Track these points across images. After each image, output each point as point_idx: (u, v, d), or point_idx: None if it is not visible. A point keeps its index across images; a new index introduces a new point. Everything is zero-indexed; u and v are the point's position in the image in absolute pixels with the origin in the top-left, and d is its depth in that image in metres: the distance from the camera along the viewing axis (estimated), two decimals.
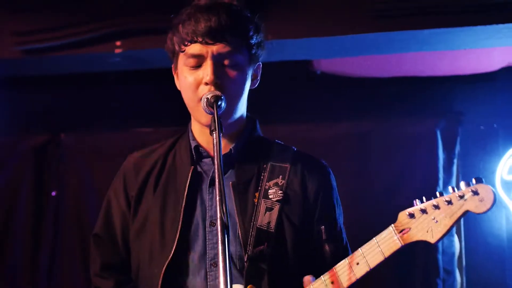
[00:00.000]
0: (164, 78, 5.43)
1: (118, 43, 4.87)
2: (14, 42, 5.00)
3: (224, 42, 2.27)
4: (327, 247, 2.35)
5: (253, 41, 2.35)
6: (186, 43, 2.28)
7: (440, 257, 5.22)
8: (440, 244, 5.17)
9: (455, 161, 5.38)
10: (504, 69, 5.32)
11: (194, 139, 2.44)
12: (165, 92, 5.68)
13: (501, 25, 4.45)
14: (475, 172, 5.24)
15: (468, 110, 5.39)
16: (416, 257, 5.25)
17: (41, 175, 5.97)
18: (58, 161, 5.95)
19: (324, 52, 5.12)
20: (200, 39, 2.25)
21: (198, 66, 2.29)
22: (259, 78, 2.48)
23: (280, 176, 2.36)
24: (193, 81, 2.30)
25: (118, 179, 2.55)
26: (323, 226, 2.36)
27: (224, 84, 2.28)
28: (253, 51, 2.36)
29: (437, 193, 2.07)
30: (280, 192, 2.33)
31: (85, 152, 5.93)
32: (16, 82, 5.77)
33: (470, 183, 2.01)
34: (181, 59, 2.35)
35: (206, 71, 2.26)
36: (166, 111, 5.78)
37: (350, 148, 5.47)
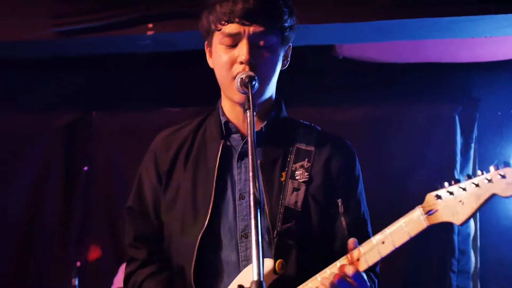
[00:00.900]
0: (191, 60, 5.57)
1: (150, 25, 4.94)
2: (49, 24, 5.06)
3: (260, 24, 2.29)
4: (343, 220, 2.38)
5: (286, 24, 2.37)
6: (223, 22, 2.32)
7: (455, 237, 5.32)
8: (455, 225, 5.29)
9: (473, 145, 5.44)
10: None
11: (224, 115, 2.48)
12: (191, 73, 5.84)
13: None
14: (492, 156, 5.34)
15: (485, 97, 5.45)
16: (432, 237, 5.30)
17: (73, 151, 6.11)
18: (89, 138, 6.09)
19: (347, 37, 5.14)
20: (237, 20, 2.28)
21: (233, 45, 2.32)
22: (289, 59, 2.51)
23: (306, 159, 2.40)
24: (227, 59, 2.33)
25: (149, 155, 2.60)
26: (339, 200, 2.39)
27: (258, 64, 2.31)
28: (286, 33, 2.39)
29: (466, 176, 2.05)
30: (306, 174, 2.38)
31: (115, 130, 6.06)
32: (50, 62, 5.86)
33: (499, 166, 1.97)
34: (217, 37, 2.37)
35: (242, 51, 2.29)
36: (192, 92, 5.89)
37: (370, 131, 5.54)
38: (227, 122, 2.47)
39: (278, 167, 2.39)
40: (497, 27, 4.71)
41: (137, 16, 4.95)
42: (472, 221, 5.37)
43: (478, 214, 5.32)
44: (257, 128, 2.38)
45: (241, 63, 2.30)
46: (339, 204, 2.38)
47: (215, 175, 2.38)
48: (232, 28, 2.30)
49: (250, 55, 2.29)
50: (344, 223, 2.37)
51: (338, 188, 2.42)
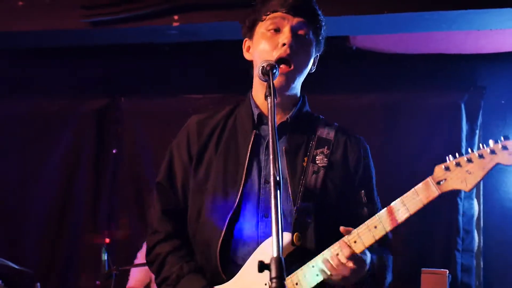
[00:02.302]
0: (213, 50, 5.70)
1: (176, 17, 5.04)
2: (81, 15, 5.18)
3: (303, 17, 2.45)
4: (365, 209, 2.46)
5: (321, 28, 2.54)
6: (272, 11, 2.45)
7: (460, 218, 5.42)
8: (460, 206, 5.39)
9: (477, 132, 5.54)
10: None
11: (257, 107, 2.55)
12: (213, 62, 5.96)
13: None
14: None
15: (490, 85, 5.54)
16: (439, 218, 5.41)
17: (102, 134, 6.29)
18: (118, 122, 6.29)
19: (360, 29, 5.21)
20: (284, 10, 2.43)
21: (277, 32, 2.45)
22: (314, 68, 2.62)
23: (326, 147, 2.52)
24: (270, 44, 2.43)
25: (182, 134, 2.64)
26: (363, 191, 2.51)
27: (297, 51, 2.43)
28: (320, 37, 2.55)
29: (469, 149, 2.14)
30: (325, 159, 2.49)
31: (141, 115, 6.23)
32: (82, 51, 6.02)
33: (499, 140, 2.08)
34: (261, 27, 2.49)
35: (285, 35, 2.42)
36: (213, 80, 6.04)
37: (380, 118, 5.65)
38: (260, 114, 2.54)
39: (301, 152, 2.50)
40: (501, 20, 4.77)
41: (163, 8, 5.05)
42: (476, 202, 5.48)
43: (482, 196, 5.49)
44: (283, 119, 2.53)
45: (284, 44, 2.40)
46: (362, 195, 2.50)
47: (246, 162, 2.47)
48: (279, 15, 2.44)
49: (293, 39, 2.42)
50: (366, 212, 2.44)
51: (358, 179, 2.54)
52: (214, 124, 2.61)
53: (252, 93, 2.62)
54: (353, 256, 2.23)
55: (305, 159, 2.49)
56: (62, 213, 6.24)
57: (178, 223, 2.57)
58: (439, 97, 5.61)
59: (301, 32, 2.45)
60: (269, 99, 2.17)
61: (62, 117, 6.32)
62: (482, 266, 5.53)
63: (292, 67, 2.42)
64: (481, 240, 5.53)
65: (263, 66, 2.29)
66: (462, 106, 5.53)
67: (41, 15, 5.25)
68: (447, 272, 4.87)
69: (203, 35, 5.34)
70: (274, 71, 2.28)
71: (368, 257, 2.31)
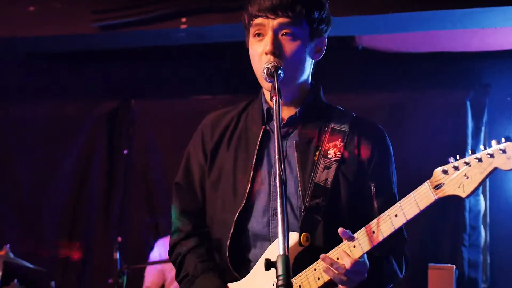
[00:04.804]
0: (220, 52, 5.67)
1: (183, 19, 5.01)
2: (91, 19, 5.17)
3: (285, 17, 2.29)
4: (375, 203, 2.33)
5: (314, 16, 2.35)
6: (253, 18, 2.34)
7: (467, 214, 5.37)
8: (467, 203, 5.33)
9: (483, 128, 5.49)
10: None
11: (266, 102, 2.46)
12: (221, 64, 5.93)
13: None
14: (501, 139, 5.35)
15: (495, 83, 5.49)
16: (446, 215, 5.38)
17: (114, 136, 6.32)
18: (129, 124, 6.30)
19: (366, 29, 5.18)
20: (263, 14, 2.30)
21: (262, 37, 2.34)
22: (323, 51, 2.46)
23: (339, 139, 2.37)
24: (257, 52, 2.34)
25: (197, 135, 2.58)
26: (373, 183, 2.34)
27: (282, 54, 2.30)
28: (315, 26, 2.36)
29: (469, 151, 2.02)
30: (338, 153, 2.35)
31: (152, 116, 6.24)
32: (92, 54, 6.03)
33: (500, 142, 1.96)
34: (250, 33, 2.40)
35: (266, 42, 2.30)
36: (221, 81, 6.02)
37: (386, 115, 5.58)
38: (269, 109, 2.44)
39: (312, 147, 2.37)
40: (506, 18, 4.74)
41: (171, 11, 5.03)
42: (482, 198, 5.43)
43: (488, 192, 5.42)
44: (292, 113, 2.41)
45: (266, 53, 2.29)
46: (372, 187, 2.34)
47: (254, 158, 2.39)
48: (259, 21, 2.32)
49: (274, 45, 2.29)
50: (375, 206, 2.33)
51: (369, 171, 2.37)
52: (228, 121, 2.53)
53: (263, 89, 2.54)
54: (352, 261, 2.12)
55: (317, 153, 2.35)
56: (75, 212, 6.28)
57: (197, 220, 2.52)
58: (445, 95, 5.57)
59: (285, 31, 2.31)
60: (274, 100, 2.12)
61: (76, 120, 6.37)
62: (488, 261, 5.48)
63: (283, 72, 2.26)
64: (488, 236, 5.48)
65: (268, 68, 2.24)
66: (468, 103, 5.49)
67: (53, 20, 5.25)
68: (454, 267, 4.83)
69: (210, 38, 5.32)
70: (279, 72, 2.22)
71: (367, 262, 2.18)
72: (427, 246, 5.42)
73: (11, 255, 5.00)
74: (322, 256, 2.16)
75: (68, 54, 6.00)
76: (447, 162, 2.05)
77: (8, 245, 5.00)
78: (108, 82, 6.29)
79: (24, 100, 6.45)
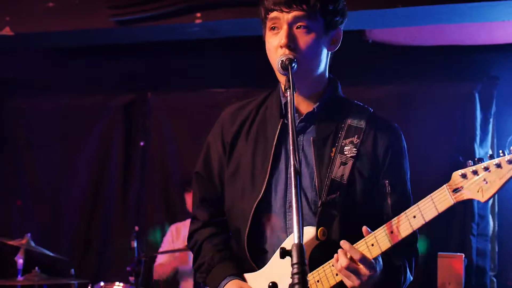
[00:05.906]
0: (233, 46, 5.71)
1: (198, 14, 5.04)
2: (109, 14, 5.21)
3: (299, 10, 2.29)
4: (389, 200, 2.33)
5: (328, 9, 2.33)
6: (268, 12, 2.34)
7: (475, 203, 5.35)
8: None
9: (491, 120, 5.50)
10: None
11: (284, 95, 2.44)
12: (234, 58, 5.97)
13: None
14: (509, 130, 5.40)
15: (503, 75, 5.50)
16: (455, 205, 5.35)
17: (130, 128, 6.39)
18: (145, 116, 6.36)
19: (375, 23, 5.17)
20: (277, 8, 2.30)
21: (277, 31, 2.34)
22: (339, 43, 2.45)
23: (356, 136, 2.36)
24: (273, 45, 2.34)
25: (217, 126, 2.59)
26: (387, 180, 2.34)
27: (297, 47, 2.29)
28: (329, 18, 2.35)
29: (488, 156, 2.01)
30: (354, 149, 2.34)
31: (167, 109, 6.29)
32: (110, 49, 6.09)
33: None
34: (266, 26, 2.40)
35: (281, 35, 2.30)
36: (235, 75, 6.05)
37: (396, 107, 5.59)
38: (286, 103, 2.38)
39: (329, 143, 2.37)
40: None
41: (186, 6, 5.06)
42: None
43: None
44: (309, 109, 2.41)
45: (281, 47, 2.29)
46: (386, 184, 2.34)
47: (273, 151, 2.40)
48: (274, 15, 2.32)
49: (288, 38, 2.28)
50: (389, 202, 2.33)
51: (384, 169, 2.37)
52: (246, 114, 2.54)
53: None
54: (365, 261, 2.13)
55: (333, 149, 2.35)
56: (93, 203, 6.36)
57: (215, 209, 2.56)
58: (454, 87, 5.58)
59: (299, 24, 2.31)
60: (288, 92, 2.13)
61: (94, 112, 6.44)
62: (496, 250, 5.51)
63: (298, 65, 2.26)
64: (496, 225, 5.50)
65: (282, 61, 2.24)
66: (476, 95, 5.50)
67: (71, 15, 5.30)
68: (463, 256, 4.85)
69: (223, 32, 5.33)
70: (293, 65, 2.22)
71: (380, 264, 2.19)
72: (437, 235, 5.41)
73: (32, 243, 5.07)
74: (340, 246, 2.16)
75: (86, 48, 6.06)
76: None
77: (29, 234, 5.07)
78: (125, 75, 6.34)
79: (43, 93, 6.54)
